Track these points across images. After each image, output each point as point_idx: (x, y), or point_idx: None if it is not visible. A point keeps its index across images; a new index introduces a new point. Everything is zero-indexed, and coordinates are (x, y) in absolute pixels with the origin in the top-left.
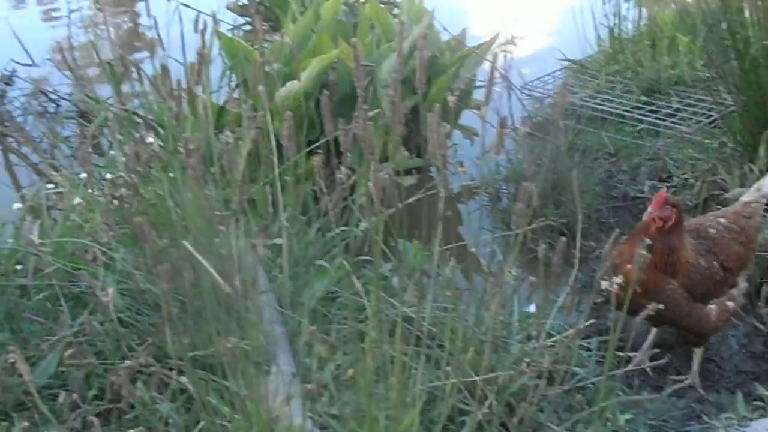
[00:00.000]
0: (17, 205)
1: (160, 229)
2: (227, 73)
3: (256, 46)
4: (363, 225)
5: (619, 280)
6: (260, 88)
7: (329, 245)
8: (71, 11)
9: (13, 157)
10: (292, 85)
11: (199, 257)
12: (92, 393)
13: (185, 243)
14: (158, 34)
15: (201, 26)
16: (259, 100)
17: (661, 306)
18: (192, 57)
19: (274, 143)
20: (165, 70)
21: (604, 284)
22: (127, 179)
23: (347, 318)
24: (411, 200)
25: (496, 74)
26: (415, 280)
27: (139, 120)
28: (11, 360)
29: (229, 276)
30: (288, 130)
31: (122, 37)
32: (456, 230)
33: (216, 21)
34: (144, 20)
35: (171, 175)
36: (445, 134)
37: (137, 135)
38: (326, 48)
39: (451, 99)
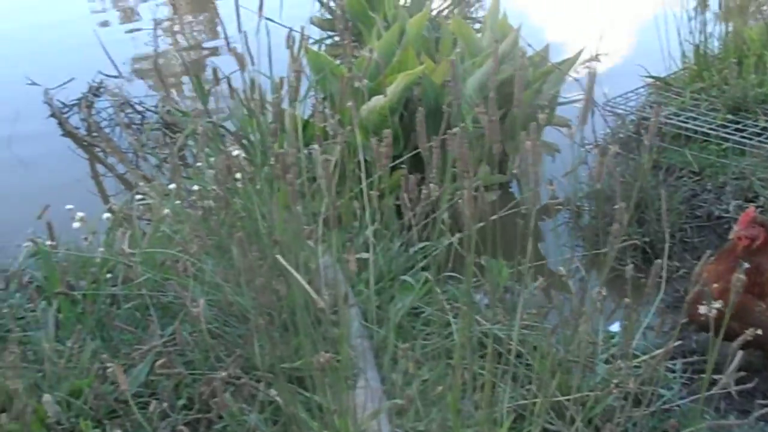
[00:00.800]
0: (106, 215)
1: (248, 242)
2: (312, 87)
3: (342, 61)
4: (445, 240)
5: (717, 305)
6: (350, 103)
7: (412, 260)
8: (157, 24)
9: (99, 167)
10: (378, 100)
11: (293, 271)
12: (181, 402)
13: (279, 258)
14: (248, 49)
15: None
16: (346, 114)
17: (759, 331)
18: (278, 71)
19: (362, 158)
20: (254, 84)
21: (702, 309)
22: (218, 192)
23: (432, 334)
24: (496, 216)
25: (579, 91)
26: (501, 297)
27: (226, 133)
28: (105, 368)
29: (318, 290)
30: (387, 147)
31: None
32: (536, 247)
33: (304, 36)
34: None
35: (257, 187)
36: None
37: (224, 148)
38: (411, 63)
39: (541, 117)
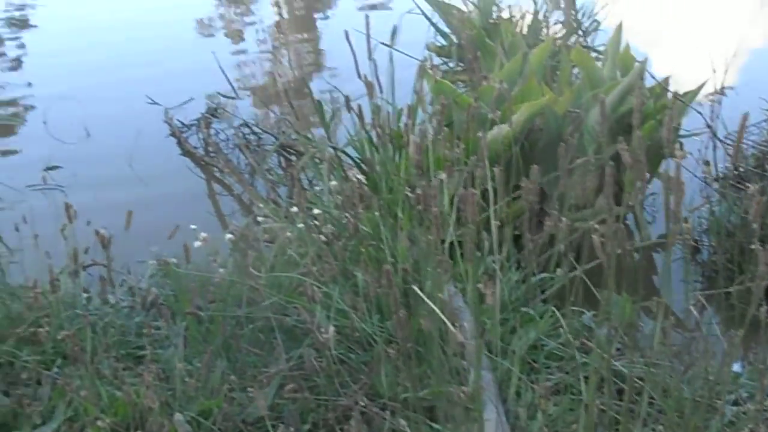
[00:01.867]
0: (229, 236)
1: (374, 269)
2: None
3: (464, 89)
4: (565, 271)
5: None
6: (479, 133)
7: (532, 291)
8: (274, 46)
9: (216, 186)
10: (501, 130)
11: (430, 303)
12: (306, 427)
13: (415, 288)
14: (377, 77)
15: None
16: (471, 143)
17: None
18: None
19: (491, 186)
20: (379, 111)
21: None
22: (346, 218)
23: (555, 367)
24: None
25: (701, 124)
26: (624, 333)
27: (346, 158)
28: (232, 389)
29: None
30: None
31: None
32: (651, 281)
33: (431, 66)
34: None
35: (377, 214)
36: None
37: (346, 174)
38: (535, 93)
39: (679, 153)
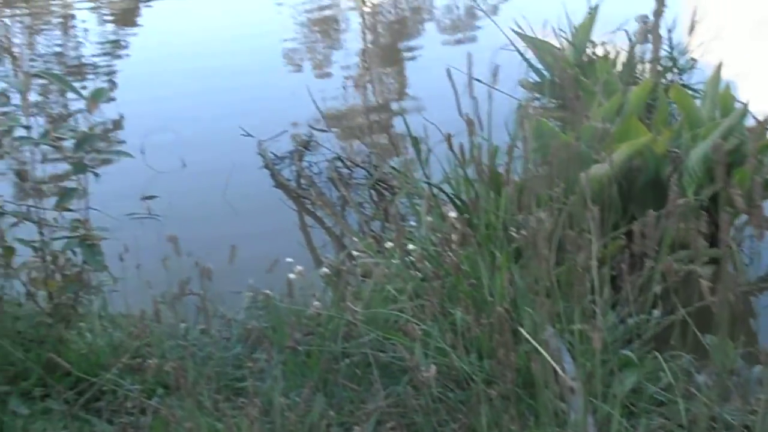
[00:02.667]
0: (324, 270)
1: (473, 307)
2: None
3: (560, 127)
4: (662, 314)
5: None
6: (582, 174)
7: (629, 333)
8: (360, 77)
9: (307, 219)
10: (600, 169)
11: (537, 346)
12: None
13: (521, 330)
14: (478, 116)
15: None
16: (570, 182)
17: None
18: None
19: (591, 225)
20: (478, 149)
21: None
22: (448, 256)
23: (656, 413)
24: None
25: None
26: (727, 378)
27: (440, 193)
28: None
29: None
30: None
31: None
32: (749, 325)
33: (529, 104)
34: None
35: (473, 251)
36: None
37: (442, 211)
38: (634, 133)
39: None
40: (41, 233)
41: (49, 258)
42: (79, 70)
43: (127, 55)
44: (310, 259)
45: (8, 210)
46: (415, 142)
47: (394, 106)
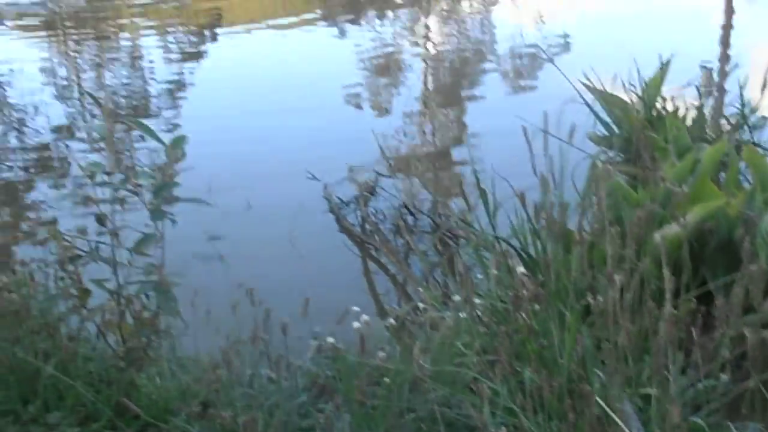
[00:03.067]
0: (390, 320)
1: (541, 366)
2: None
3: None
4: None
5: None
6: (657, 235)
7: (699, 398)
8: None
9: (371, 265)
10: (672, 230)
11: (607, 409)
12: None
13: (599, 401)
14: (552, 174)
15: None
16: (641, 242)
17: None
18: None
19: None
20: (551, 205)
21: None
22: (519, 315)
23: None
24: None
25: None
26: None
27: (508, 247)
28: None
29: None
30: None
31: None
32: None
33: (602, 162)
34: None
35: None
36: None
37: (509, 265)
38: (707, 195)
39: None
40: (116, 276)
41: (123, 301)
42: (145, 105)
43: (192, 90)
44: (372, 306)
45: (86, 252)
46: (483, 194)
47: (458, 153)
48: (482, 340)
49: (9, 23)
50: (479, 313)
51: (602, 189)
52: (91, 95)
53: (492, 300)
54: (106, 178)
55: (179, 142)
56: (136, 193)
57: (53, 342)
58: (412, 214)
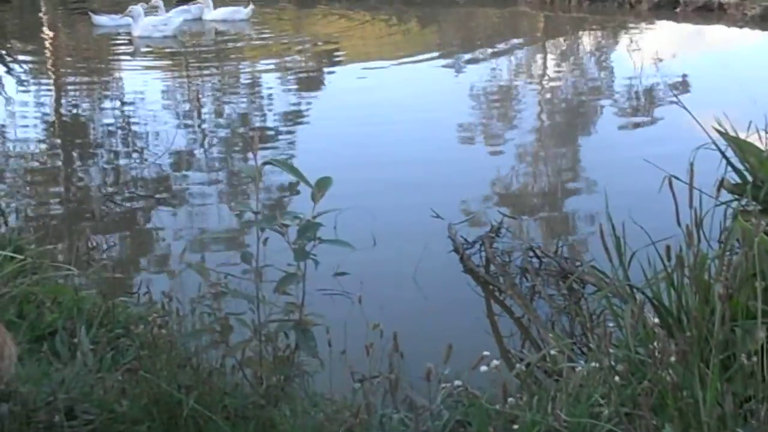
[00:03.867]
0: (519, 366)
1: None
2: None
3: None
4: None
5: None
6: None
7: None
8: (532, 156)
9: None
10: None
11: None
12: None
13: None
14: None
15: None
16: None
17: None
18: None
19: None
20: (695, 258)
21: None
22: (663, 371)
23: None
24: None
25: None
26: None
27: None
28: None
29: None
30: None
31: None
32: None
33: (745, 214)
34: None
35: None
36: None
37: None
38: None
39: None
40: (258, 313)
41: (263, 339)
42: (262, 136)
43: (308, 123)
44: (496, 347)
45: (229, 290)
46: (617, 242)
47: (578, 192)
48: (619, 392)
49: (140, 57)
50: (613, 364)
51: (748, 242)
52: (243, 135)
53: (626, 351)
54: (252, 217)
55: (325, 183)
56: (281, 233)
57: (196, 376)
58: (537, 256)
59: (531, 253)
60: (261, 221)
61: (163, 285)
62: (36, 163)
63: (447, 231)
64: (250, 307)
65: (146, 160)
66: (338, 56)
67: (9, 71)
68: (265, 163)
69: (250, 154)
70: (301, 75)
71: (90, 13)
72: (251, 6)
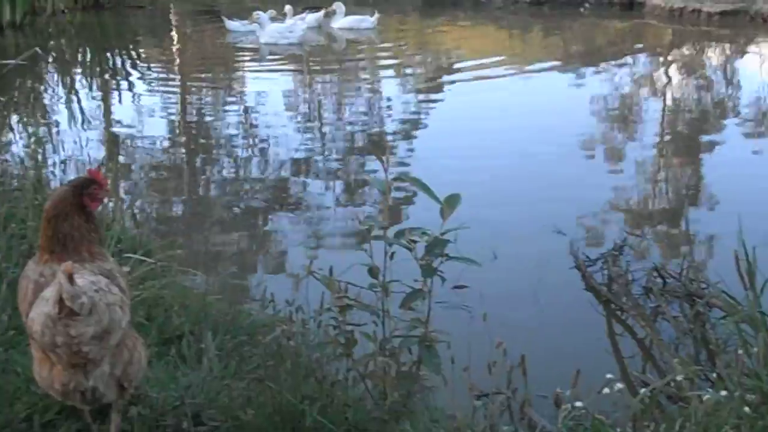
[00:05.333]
0: (643, 392)
1: None
2: None
3: None
4: None
5: None
6: None
7: None
8: (654, 172)
9: (617, 326)
10: None
11: None
12: None
13: None
14: None
15: None
16: None
17: None
18: None
19: None
20: None
21: None
22: None
23: None
24: None
25: None
26: None
27: None
28: None
29: None
30: None
31: None
32: None
33: None
34: None
35: None
36: None
37: None
38: None
39: None
40: (383, 328)
41: (387, 354)
42: (379, 141)
43: (425, 130)
44: (615, 369)
45: (356, 303)
46: (749, 268)
47: (700, 211)
48: (751, 424)
49: (265, 62)
50: (744, 394)
51: None
52: (377, 156)
53: (757, 381)
54: (381, 232)
55: (454, 200)
56: (409, 249)
57: (320, 387)
58: (662, 276)
59: (655, 273)
60: (390, 237)
61: (285, 291)
62: (160, 164)
63: (568, 247)
64: (372, 320)
65: (267, 163)
66: (458, 65)
67: (139, 74)
68: (395, 179)
69: (374, 164)
70: (420, 83)
71: (223, 18)
72: (377, 15)
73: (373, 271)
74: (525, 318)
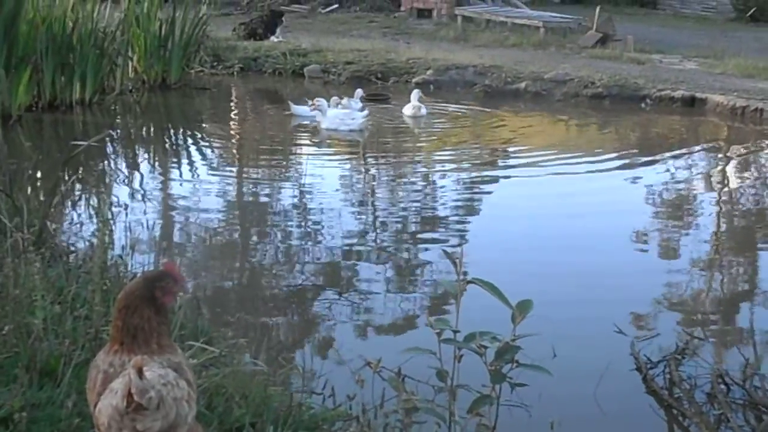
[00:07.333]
0: None
1: None
2: None
3: None
4: None
5: None
6: None
7: None
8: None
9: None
10: None
11: None
12: None
13: None
14: None
15: None
16: None
17: None
18: None
19: None
20: None
21: None
22: None
23: None
24: None
25: None
26: None
27: None
28: None
29: None
30: None
31: None
32: None
33: None
34: None
35: None
36: None
37: None
38: None
39: None
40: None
41: None
42: (432, 228)
43: (479, 220)
44: None
45: (424, 407)
46: None
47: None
48: None
49: (323, 146)
50: None
51: None
52: (446, 254)
53: None
54: (452, 335)
55: (526, 307)
56: (479, 354)
57: None
58: (725, 383)
59: (719, 380)
60: (461, 341)
61: (343, 383)
62: (215, 244)
63: (629, 348)
64: (436, 421)
65: (320, 245)
66: (514, 154)
67: (202, 155)
68: (468, 282)
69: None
70: (475, 172)
71: (289, 103)
72: (366, 112)
73: (441, 375)
74: (586, 421)
